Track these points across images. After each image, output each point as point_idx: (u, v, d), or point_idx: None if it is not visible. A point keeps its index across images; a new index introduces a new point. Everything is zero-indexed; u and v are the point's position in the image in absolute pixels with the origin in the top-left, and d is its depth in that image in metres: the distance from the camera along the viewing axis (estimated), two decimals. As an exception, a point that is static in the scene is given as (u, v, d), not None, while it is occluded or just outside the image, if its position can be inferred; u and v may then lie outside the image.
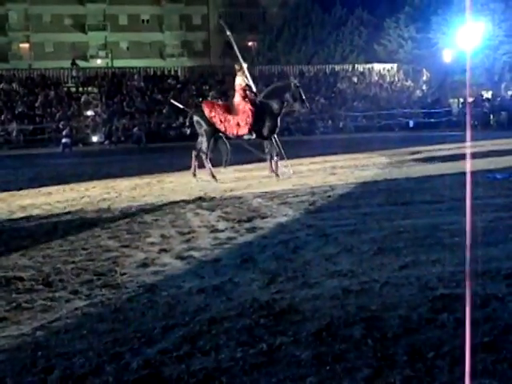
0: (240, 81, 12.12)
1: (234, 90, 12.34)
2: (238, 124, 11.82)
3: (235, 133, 11.97)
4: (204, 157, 11.99)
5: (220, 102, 12.54)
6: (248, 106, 11.87)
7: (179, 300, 4.24)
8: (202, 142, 12.07)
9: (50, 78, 40.81)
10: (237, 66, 12.33)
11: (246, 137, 12.21)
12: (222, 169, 13.36)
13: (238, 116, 11.84)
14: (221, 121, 11.80)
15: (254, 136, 12.14)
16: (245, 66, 12.36)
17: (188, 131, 13.44)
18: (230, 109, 12.02)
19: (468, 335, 2.89)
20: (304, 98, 12.50)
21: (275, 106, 12.14)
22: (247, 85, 12.18)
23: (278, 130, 12.50)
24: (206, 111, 11.89)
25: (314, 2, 58.92)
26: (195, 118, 12.17)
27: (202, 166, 12.10)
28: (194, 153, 12.18)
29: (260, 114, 11.95)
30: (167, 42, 64.16)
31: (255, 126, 11.91)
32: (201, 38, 65.27)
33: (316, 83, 43.48)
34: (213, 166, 12.08)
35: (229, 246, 5.94)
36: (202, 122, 11.95)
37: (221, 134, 12.26)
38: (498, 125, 36.02)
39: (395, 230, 6.29)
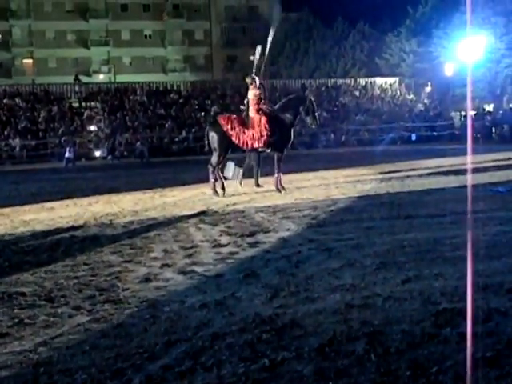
0: (253, 94, 11.95)
1: (248, 104, 12.10)
2: (253, 137, 11.73)
3: (250, 146, 11.85)
4: (211, 170, 11.93)
5: (234, 116, 12.31)
6: (263, 119, 11.79)
7: (181, 315, 4.24)
8: (213, 156, 11.94)
9: (53, 94, 40.96)
10: (248, 80, 12.14)
11: (260, 150, 12.16)
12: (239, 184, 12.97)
13: (254, 129, 11.73)
14: (237, 134, 11.70)
15: (269, 150, 12.10)
16: (257, 79, 12.05)
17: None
18: (245, 122, 11.86)
19: (471, 350, 2.88)
20: (316, 114, 12.56)
21: (290, 118, 12.13)
22: (261, 97, 12.00)
23: (291, 142, 12.49)
24: (223, 125, 11.77)
25: (315, 16, 59.34)
26: (211, 133, 11.92)
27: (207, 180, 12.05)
28: (210, 169, 11.95)
29: (275, 126, 11.88)
30: (170, 57, 64.47)
31: (271, 139, 11.85)
32: (203, 53, 65.57)
33: (318, 97, 43.58)
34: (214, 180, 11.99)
35: (231, 261, 5.94)
36: (217, 137, 11.79)
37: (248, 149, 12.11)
38: (500, 138, 36.03)
39: (398, 244, 6.29)
